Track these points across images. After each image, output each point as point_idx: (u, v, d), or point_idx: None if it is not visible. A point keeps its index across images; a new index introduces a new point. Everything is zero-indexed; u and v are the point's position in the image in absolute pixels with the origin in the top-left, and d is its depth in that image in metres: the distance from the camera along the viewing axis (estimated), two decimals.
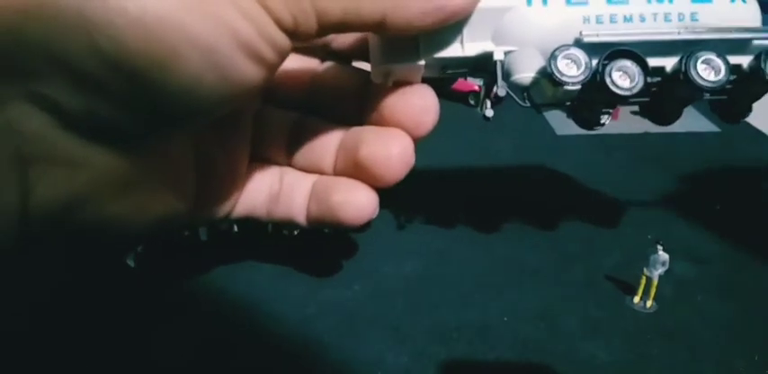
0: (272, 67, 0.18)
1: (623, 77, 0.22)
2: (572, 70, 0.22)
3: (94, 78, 0.15)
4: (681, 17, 0.23)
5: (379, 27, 0.18)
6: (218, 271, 0.37)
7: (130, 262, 0.35)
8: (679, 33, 0.23)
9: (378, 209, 0.23)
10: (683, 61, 0.22)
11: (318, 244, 0.39)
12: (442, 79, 0.23)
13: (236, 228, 0.38)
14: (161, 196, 0.19)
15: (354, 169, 0.22)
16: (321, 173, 0.24)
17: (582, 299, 0.36)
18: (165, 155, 0.19)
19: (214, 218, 0.23)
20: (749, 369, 0.31)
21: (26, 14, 0.14)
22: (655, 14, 0.23)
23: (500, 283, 0.37)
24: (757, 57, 0.23)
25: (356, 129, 0.23)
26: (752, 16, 0.24)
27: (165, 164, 0.19)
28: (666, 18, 0.23)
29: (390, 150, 0.21)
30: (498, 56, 0.22)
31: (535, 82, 0.22)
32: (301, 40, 0.18)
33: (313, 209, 0.23)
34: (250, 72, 0.17)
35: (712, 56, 0.22)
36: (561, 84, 0.22)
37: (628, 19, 0.23)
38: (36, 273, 0.19)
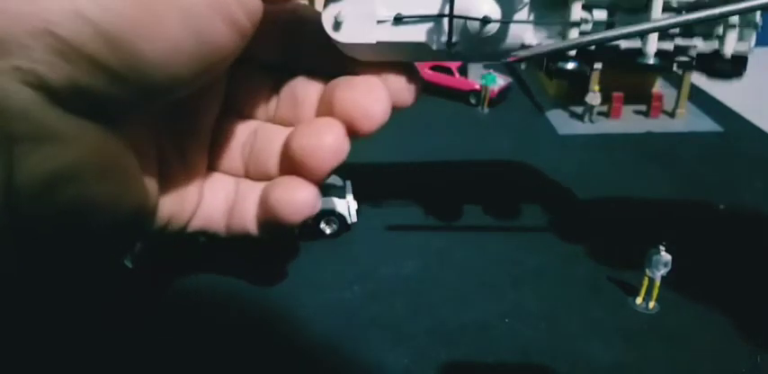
0: (245, 33, 0.18)
1: None
2: None
3: (78, 45, 0.15)
4: None
5: None
6: (217, 272, 0.37)
7: (128, 263, 0.35)
8: None
9: (319, 205, 0.23)
10: None
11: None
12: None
13: None
14: (135, 185, 0.19)
15: (290, 164, 0.22)
16: (269, 178, 0.24)
17: (583, 300, 0.36)
18: (136, 144, 0.19)
19: (172, 228, 0.23)
20: (751, 371, 0.31)
21: None
22: None
23: (500, 284, 0.37)
24: None
25: (297, 125, 0.23)
26: None
27: (137, 153, 0.20)
28: None
29: (321, 140, 0.21)
30: None
31: None
32: (272, 1, 0.18)
33: (259, 215, 0.23)
34: (225, 37, 0.17)
35: None
36: None
37: None
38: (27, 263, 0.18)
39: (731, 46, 0.22)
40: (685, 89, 0.59)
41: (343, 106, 0.22)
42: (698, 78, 0.62)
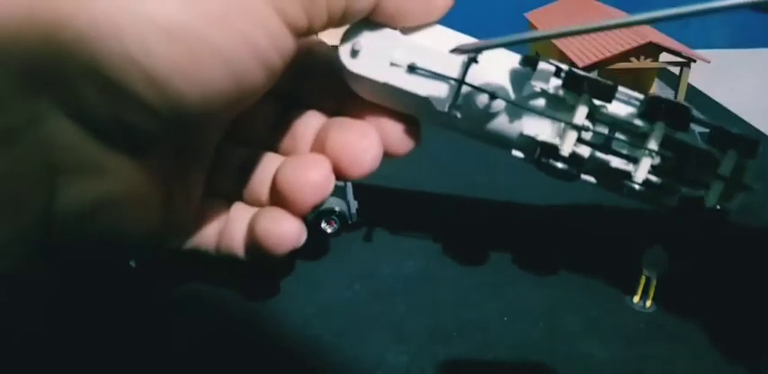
0: (276, 73, 0.19)
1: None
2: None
3: (125, 86, 0.16)
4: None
5: (372, 12, 0.20)
6: (219, 270, 0.37)
7: (132, 263, 0.36)
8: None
9: (304, 238, 0.23)
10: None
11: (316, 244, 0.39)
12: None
13: None
14: (156, 210, 0.20)
15: (276, 195, 0.22)
16: (261, 205, 0.24)
17: (581, 299, 0.36)
18: (156, 171, 0.20)
19: (165, 246, 0.23)
20: (748, 369, 0.31)
21: (61, 24, 0.15)
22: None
23: (500, 283, 0.37)
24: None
25: (287, 158, 0.24)
26: None
27: (157, 180, 0.20)
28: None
29: (306, 176, 0.22)
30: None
31: (510, 77, 0.22)
32: (307, 35, 0.19)
33: (246, 241, 0.23)
34: (259, 79, 0.18)
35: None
36: (536, 60, 0.21)
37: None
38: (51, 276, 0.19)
39: (715, 197, 0.23)
40: (682, 90, 0.60)
41: (333, 148, 0.22)
42: (696, 79, 0.63)
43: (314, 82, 0.24)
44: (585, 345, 0.33)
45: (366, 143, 0.22)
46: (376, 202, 0.43)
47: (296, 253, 0.39)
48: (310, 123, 0.24)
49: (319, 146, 0.22)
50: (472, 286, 0.37)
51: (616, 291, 0.37)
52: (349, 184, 0.42)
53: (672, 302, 0.35)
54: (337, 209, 0.40)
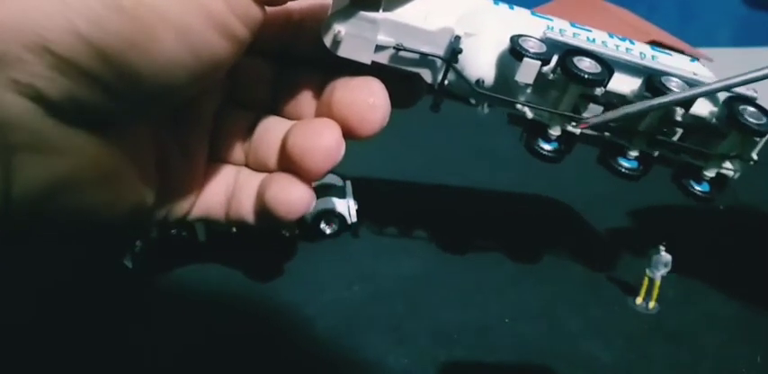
0: (242, 43, 0.18)
1: (588, 67, 0.22)
2: (534, 49, 0.22)
3: (74, 61, 0.15)
4: (642, 55, 0.23)
5: None
6: (217, 271, 0.37)
7: (128, 263, 0.35)
8: (642, 59, 0.22)
9: (312, 204, 0.22)
10: (651, 80, 0.22)
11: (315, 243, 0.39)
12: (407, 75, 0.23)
13: (234, 229, 0.37)
14: (132, 188, 0.20)
15: (287, 161, 0.22)
16: (268, 170, 0.24)
17: (583, 300, 0.36)
18: (133, 147, 0.20)
19: (172, 218, 0.23)
20: (751, 371, 0.31)
21: (3, 1, 0.14)
22: (617, 46, 0.23)
23: (500, 283, 0.37)
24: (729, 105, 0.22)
25: (295, 122, 0.23)
26: (706, 75, 0.24)
27: (134, 156, 0.20)
28: (628, 50, 0.23)
29: (317, 142, 0.21)
30: (459, 31, 0.21)
31: (497, 63, 0.22)
32: (277, 4, 0.18)
33: (256, 208, 0.23)
34: (222, 49, 0.17)
35: (676, 78, 0.22)
36: (522, 55, 0.21)
37: (591, 40, 0.23)
38: (36, 265, 0.19)
39: (714, 167, 0.23)
40: None
41: (340, 108, 0.22)
42: None
43: (307, 38, 0.23)
44: (588, 347, 0.32)
45: (374, 100, 0.21)
46: (376, 202, 0.43)
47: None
48: (310, 80, 0.23)
49: (325, 107, 0.22)
50: (473, 287, 0.37)
51: (619, 292, 0.36)
52: (348, 184, 0.42)
53: (675, 304, 0.35)
54: (337, 209, 0.40)
